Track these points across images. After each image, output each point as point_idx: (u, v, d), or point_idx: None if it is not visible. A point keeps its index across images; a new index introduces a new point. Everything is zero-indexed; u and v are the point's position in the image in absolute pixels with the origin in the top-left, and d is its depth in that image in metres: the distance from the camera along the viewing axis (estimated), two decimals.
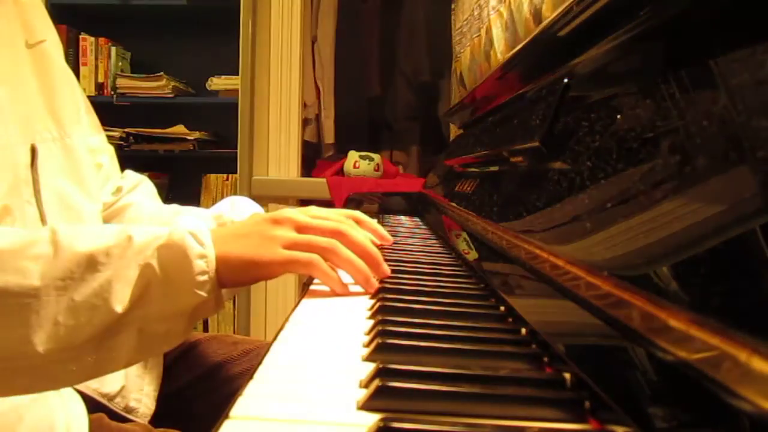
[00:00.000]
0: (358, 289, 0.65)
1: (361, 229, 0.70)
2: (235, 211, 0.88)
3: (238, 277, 0.59)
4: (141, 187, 0.94)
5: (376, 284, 0.64)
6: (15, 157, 0.66)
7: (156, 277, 0.55)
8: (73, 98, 0.80)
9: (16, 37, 0.71)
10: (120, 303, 0.53)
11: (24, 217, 0.66)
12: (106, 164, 0.89)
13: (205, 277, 0.56)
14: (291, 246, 0.61)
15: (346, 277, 0.65)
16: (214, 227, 0.60)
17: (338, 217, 0.69)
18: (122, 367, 0.58)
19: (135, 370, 0.76)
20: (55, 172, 0.72)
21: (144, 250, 0.55)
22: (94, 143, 0.84)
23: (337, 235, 0.64)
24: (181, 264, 0.55)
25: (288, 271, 0.61)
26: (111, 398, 0.72)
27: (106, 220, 0.85)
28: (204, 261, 0.56)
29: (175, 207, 0.92)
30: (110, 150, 0.91)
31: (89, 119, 0.85)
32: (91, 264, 0.53)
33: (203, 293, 0.56)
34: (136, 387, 0.75)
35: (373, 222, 0.92)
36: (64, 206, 0.72)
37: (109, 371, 0.58)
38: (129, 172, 0.96)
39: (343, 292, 0.63)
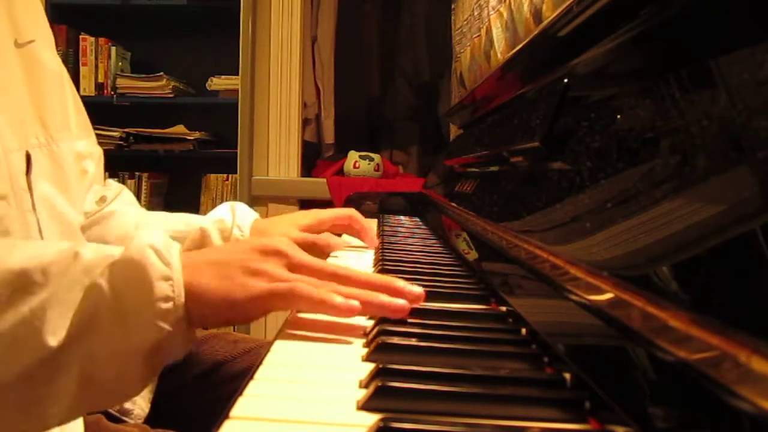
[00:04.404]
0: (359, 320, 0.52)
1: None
2: (237, 216, 0.87)
3: (207, 315, 0.48)
4: (121, 195, 0.91)
5: (400, 302, 0.50)
6: (12, 166, 0.63)
7: (105, 302, 0.44)
8: (62, 101, 0.77)
9: (5, 36, 0.69)
10: (55, 335, 0.42)
11: (27, 228, 0.63)
12: (91, 171, 0.84)
13: (169, 305, 0.44)
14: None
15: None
16: (186, 247, 0.51)
17: (336, 264, 0.55)
18: (55, 425, 0.46)
19: None
20: (44, 180, 0.69)
21: (92, 269, 0.45)
22: (81, 147, 0.80)
23: (335, 277, 0.52)
24: (138, 285, 0.44)
25: (267, 309, 0.49)
26: None
27: (87, 228, 0.81)
28: (169, 284, 0.45)
29: (163, 214, 0.90)
30: (98, 153, 0.87)
31: (79, 120, 0.82)
32: (22, 283, 0.43)
33: (166, 325, 0.44)
34: None
35: (365, 221, 0.94)
36: (54, 215, 0.70)
37: (42, 429, 0.46)
38: (109, 181, 0.93)
39: (347, 311, 0.48)
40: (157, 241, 0.47)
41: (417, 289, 0.51)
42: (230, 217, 0.86)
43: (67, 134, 0.76)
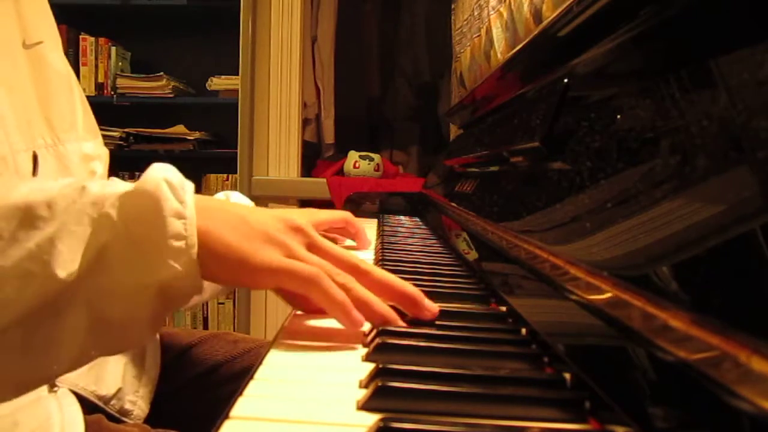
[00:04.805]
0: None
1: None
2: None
3: (216, 267, 0.45)
4: None
5: (400, 322, 0.49)
6: (19, 166, 0.63)
7: (114, 233, 0.42)
8: (69, 102, 0.78)
9: (13, 37, 0.69)
10: (65, 267, 0.40)
11: None
12: (100, 172, 0.84)
13: (180, 244, 0.42)
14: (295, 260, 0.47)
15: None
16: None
17: (355, 257, 0.52)
18: (64, 370, 0.44)
19: (132, 370, 0.76)
20: (50, 181, 0.70)
21: (101, 201, 0.42)
22: (89, 149, 0.81)
23: (354, 270, 0.50)
24: (150, 219, 0.42)
25: (279, 284, 0.48)
26: (107, 401, 0.72)
27: None
28: (181, 222, 0.43)
29: None
30: (105, 154, 0.88)
31: (86, 122, 0.83)
32: (26, 218, 0.41)
33: (176, 265, 0.42)
34: (132, 389, 0.75)
35: (361, 231, 0.94)
36: None
37: (45, 378, 0.44)
38: (113, 179, 0.93)
39: (353, 324, 0.47)
40: (172, 176, 0.45)
41: (434, 307, 0.50)
42: None
43: (74, 135, 0.76)
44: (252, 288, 0.49)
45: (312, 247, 0.50)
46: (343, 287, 0.47)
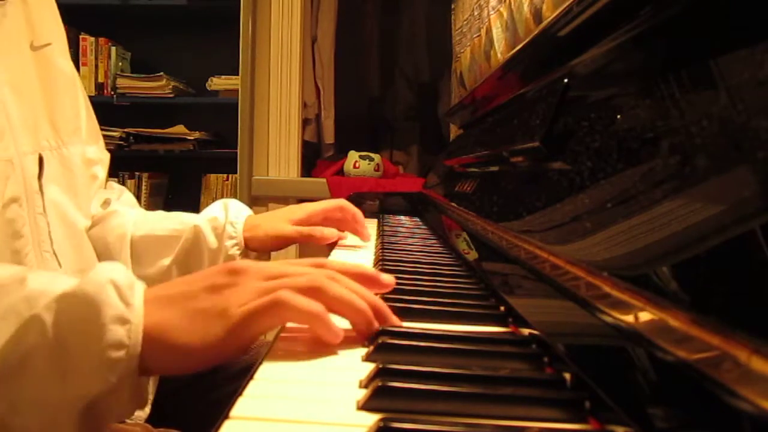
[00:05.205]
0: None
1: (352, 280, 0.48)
2: (230, 214, 0.87)
3: (172, 364, 0.42)
4: (123, 197, 0.93)
5: (377, 326, 0.46)
6: (27, 168, 0.64)
7: (44, 340, 0.38)
8: (73, 106, 0.78)
9: (22, 38, 0.70)
10: None
11: (38, 231, 0.65)
12: (101, 176, 0.86)
13: (120, 354, 0.38)
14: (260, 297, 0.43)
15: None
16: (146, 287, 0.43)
17: (319, 267, 0.49)
18: None
19: None
20: (53, 184, 0.70)
21: (37, 298, 0.39)
22: (91, 153, 0.82)
23: (314, 291, 0.45)
24: (86, 326, 0.38)
25: (255, 332, 0.42)
26: None
27: (88, 229, 0.81)
28: (125, 328, 0.39)
29: (161, 213, 0.90)
30: (106, 158, 0.89)
31: (89, 126, 0.83)
32: None
33: (112, 377, 0.38)
34: None
35: (358, 213, 0.93)
36: (63, 219, 0.72)
37: None
38: (111, 183, 0.94)
39: (333, 337, 0.44)
40: (120, 276, 0.41)
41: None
42: (223, 215, 0.86)
43: (77, 138, 0.77)
44: (236, 357, 0.45)
45: (270, 277, 0.45)
46: (316, 290, 0.44)
